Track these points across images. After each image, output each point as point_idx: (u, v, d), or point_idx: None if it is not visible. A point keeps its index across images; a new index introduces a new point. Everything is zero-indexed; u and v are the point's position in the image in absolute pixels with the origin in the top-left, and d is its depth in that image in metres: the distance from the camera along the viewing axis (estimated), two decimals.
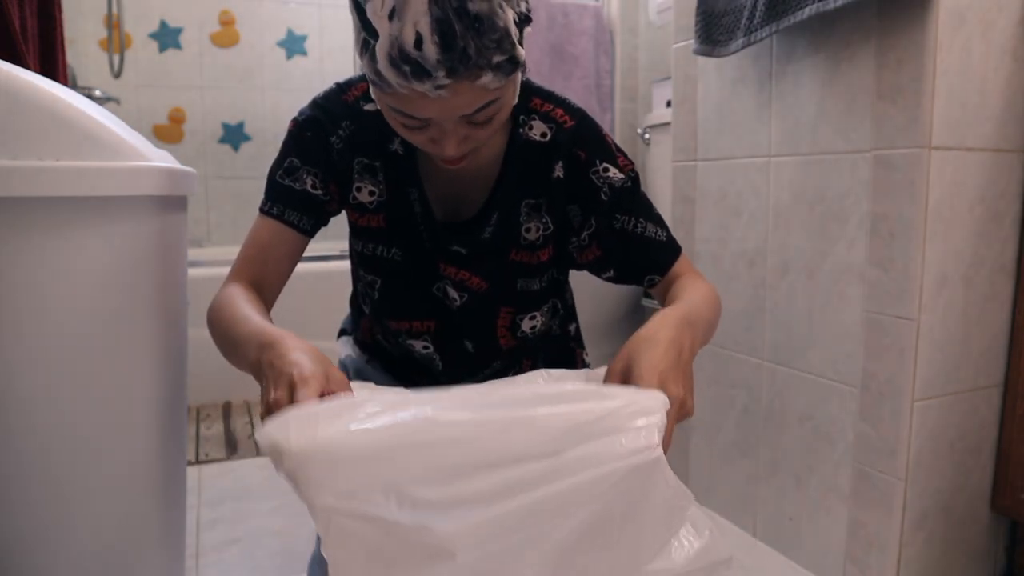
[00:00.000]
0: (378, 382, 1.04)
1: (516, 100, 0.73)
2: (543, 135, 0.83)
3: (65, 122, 0.69)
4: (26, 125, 0.67)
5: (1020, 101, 1.00)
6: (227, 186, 2.75)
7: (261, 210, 0.83)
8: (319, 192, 0.82)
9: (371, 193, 0.84)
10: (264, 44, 2.76)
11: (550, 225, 0.85)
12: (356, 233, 0.87)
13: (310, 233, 0.85)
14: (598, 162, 0.82)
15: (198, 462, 1.62)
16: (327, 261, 2.20)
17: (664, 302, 0.83)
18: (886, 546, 1.02)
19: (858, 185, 1.02)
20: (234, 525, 1.32)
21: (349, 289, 1.11)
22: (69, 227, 0.69)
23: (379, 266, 0.87)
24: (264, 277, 0.85)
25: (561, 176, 0.83)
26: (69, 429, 0.72)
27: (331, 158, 0.82)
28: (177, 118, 2.68)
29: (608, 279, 0.88)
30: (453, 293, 0.87)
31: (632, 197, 0.83)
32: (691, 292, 0.79)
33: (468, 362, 0.92)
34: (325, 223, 0.87)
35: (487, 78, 0.63)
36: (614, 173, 0.82)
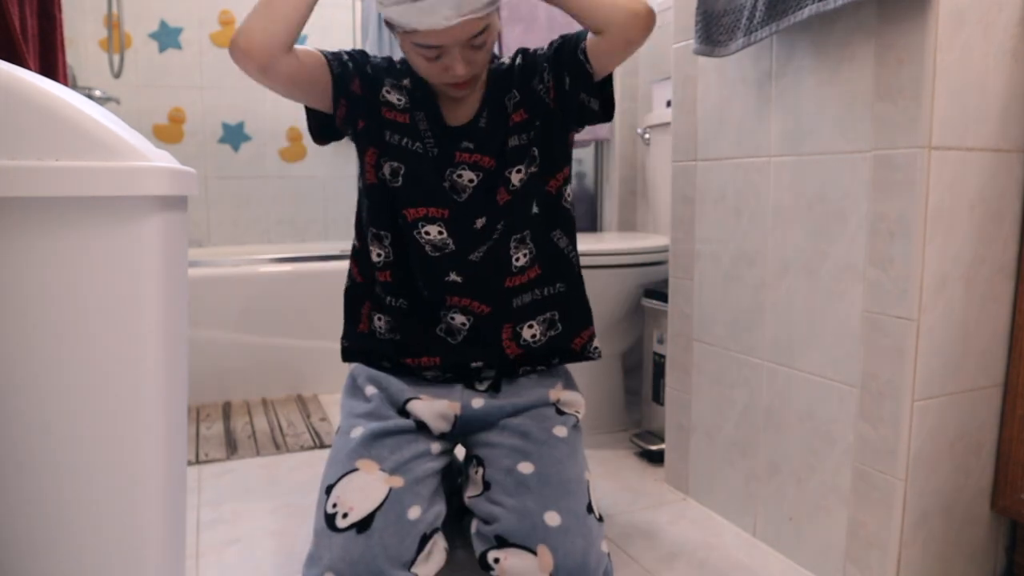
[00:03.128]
0: (389, 385, 1.06)
1: (498, 29, 0.99)
2: (510, 60, 1.12)
3: (65, 122, 0.69)
4: (26, 125, 0.67)
5: (1020, 101, 1.00)
6: (227, 186, 2.75)
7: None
8: (348, 63, 1.05)
9: (398, 99, 1.07)
10: None
11: (525, 105, 1.07)
12: (385, 125, 1.06)
13: (329, 64, 1.02)
14: (539, 51, 1.10)
15: (198, 462, 1.62)
16: (327, 261, 2.20)
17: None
18: (886, 546, 1.02)
19: (858, 185, 1.02)
20: (234, 525, 1.32)
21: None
22: (69, 227, 0.69)
23: (404, 155, 1.06)
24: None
25: (519, 62, 1.09)
26: (69, 429, 0.73)
27: (366, 70, 1.07)
28: (177, 118, 2.68)
29: (563, 55, 1.05)
30: (470, 174, 1.06)
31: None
32: None
33: (476, 239, 1.06)
34: (343, 89, 1.04)
35: (481, 12, 0.91)
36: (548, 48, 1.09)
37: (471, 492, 1.03)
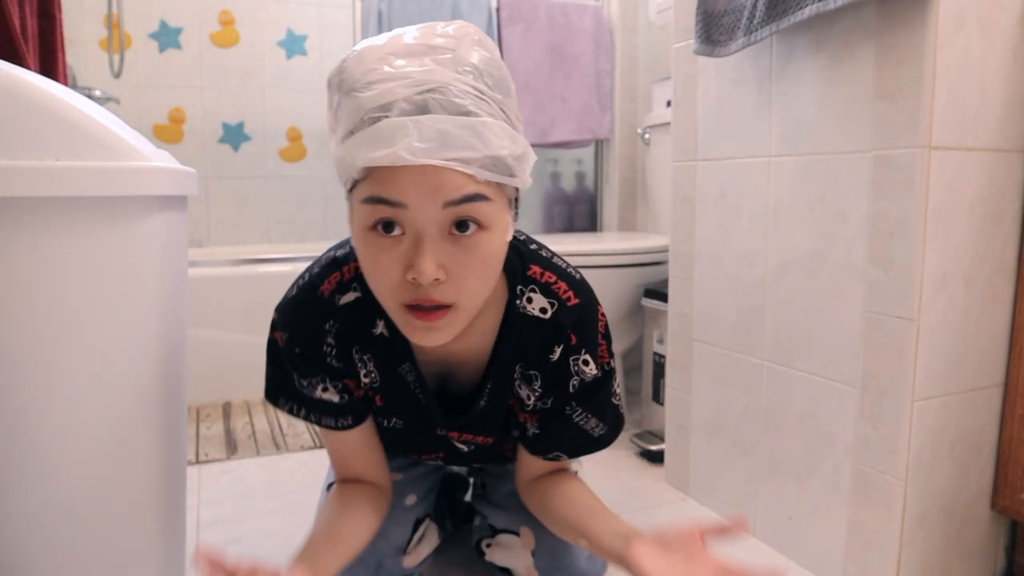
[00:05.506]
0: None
1: (506, 246, 0.68)
2: (543, 311, 0.79)
3: (65, 122, 0.69)
4: (26, 125, 0.67)
5: (1020, 101, 1.00)
6: (227, 186, 2.75)
7: (293, 414, 0.86)
8: (336, 398, 0.84)
9: (366, 375, 0.84)
10: (264, 44, 2.76)
11: (540, 392, 0.84)
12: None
13: (357, 424, 0.87)
14: (583, 351, 0.80)
15: (198, 462, 1.62)
16: None
17: (544, 486, 0.88)
18: (886, 546, 1.02)
19: (858, 185, 1.02)
20: (234, 525, 1.32)
21: None
22: (69, 227, 0.69)
23: (381, 427, 0.91)
24: (354, 470, 0.90)
25: (555, 359, 0.80)
26: (68, 429, 0.72)
27: (330, 363, 0.82)
28: (177, 118, 2.68)
29: (518, 439, 0.90)
30: (460, 446, 0.93)
31: (595, 392, 0.83)
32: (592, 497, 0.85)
33: (473, 471, 1.07)
34: (366, 412, 0.87)
35: (476, 168, 0.61)
36: (591, 368, 0.81)
37: (472, 493, 1.08)
